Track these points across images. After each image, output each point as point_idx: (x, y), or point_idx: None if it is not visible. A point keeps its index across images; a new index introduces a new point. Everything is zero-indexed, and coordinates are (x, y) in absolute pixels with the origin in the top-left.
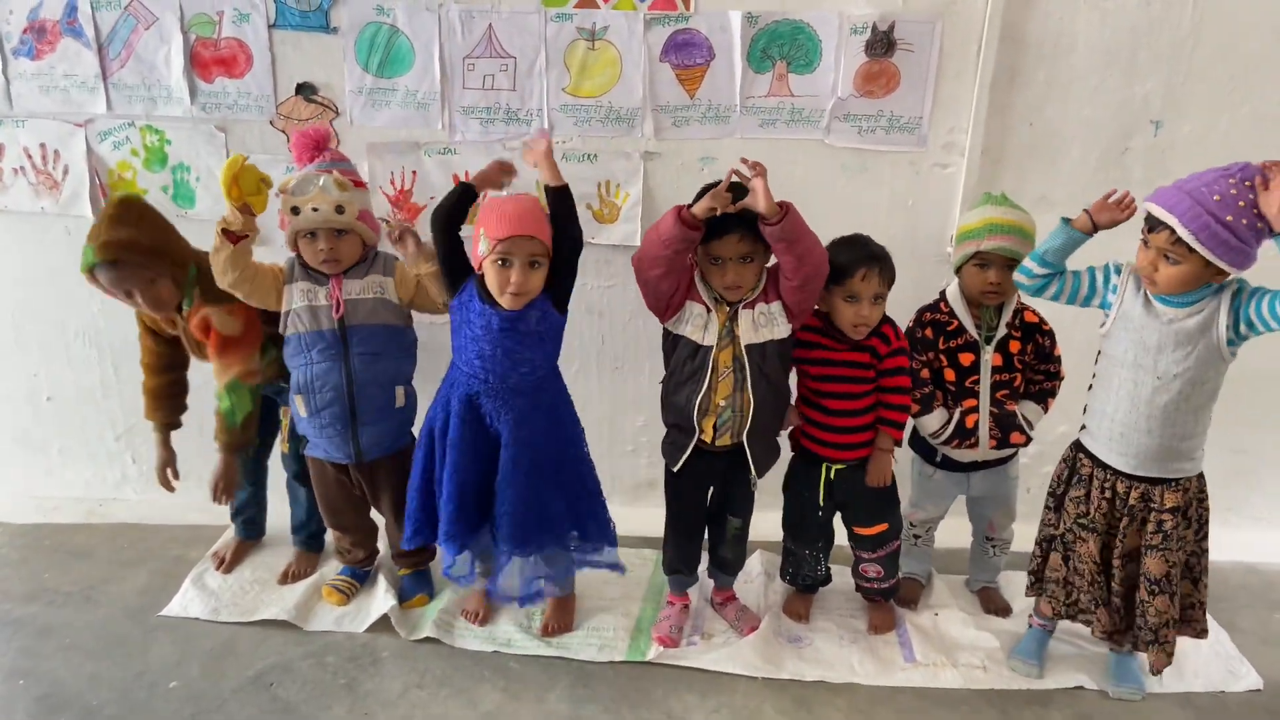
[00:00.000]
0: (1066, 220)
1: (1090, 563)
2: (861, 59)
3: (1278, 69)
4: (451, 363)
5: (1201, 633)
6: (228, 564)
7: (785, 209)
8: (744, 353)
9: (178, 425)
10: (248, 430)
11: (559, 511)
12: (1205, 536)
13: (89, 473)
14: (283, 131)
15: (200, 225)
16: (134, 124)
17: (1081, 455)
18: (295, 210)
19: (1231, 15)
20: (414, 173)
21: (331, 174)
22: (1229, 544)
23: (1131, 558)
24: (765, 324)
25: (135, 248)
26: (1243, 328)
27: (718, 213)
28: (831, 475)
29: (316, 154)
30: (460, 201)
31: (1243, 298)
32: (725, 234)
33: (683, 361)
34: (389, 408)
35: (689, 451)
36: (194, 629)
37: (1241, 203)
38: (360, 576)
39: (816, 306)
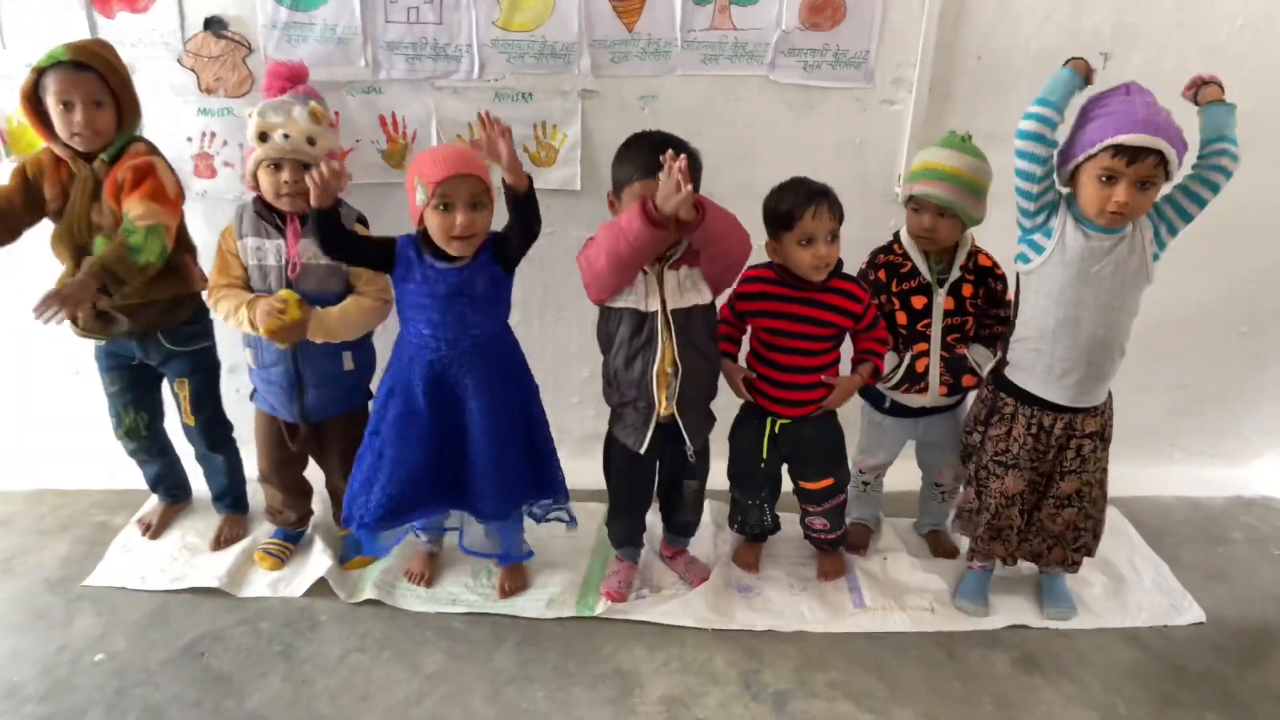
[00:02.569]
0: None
1: (1001, 498)
2: None
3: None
4: (399, 337)
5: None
6: (154, 529)
7: (702, 212)
8: (669, 317)
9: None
10: (137, 276)
11: (527, 473)
12: (1107, 455)
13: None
14: (191, 70)
15: None
16: (29, 64)
17: (1002, 394)
18: (263, 137)
19: None
20: (336, 113)
21: (308, 105)
22: (1172, 479)
23: (1044, 486)
24: (690, 288)
25: (105, 63)
26: (1164, 233)
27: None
28: (776, 429)
29: (289, 86)
30: (327, 226)
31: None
32: (653, 176)
33: (630, 335)
34: (337, 373)
35: (652, 427)
36: (120, 599)
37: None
38: (294, 538)
39: (770, 259)
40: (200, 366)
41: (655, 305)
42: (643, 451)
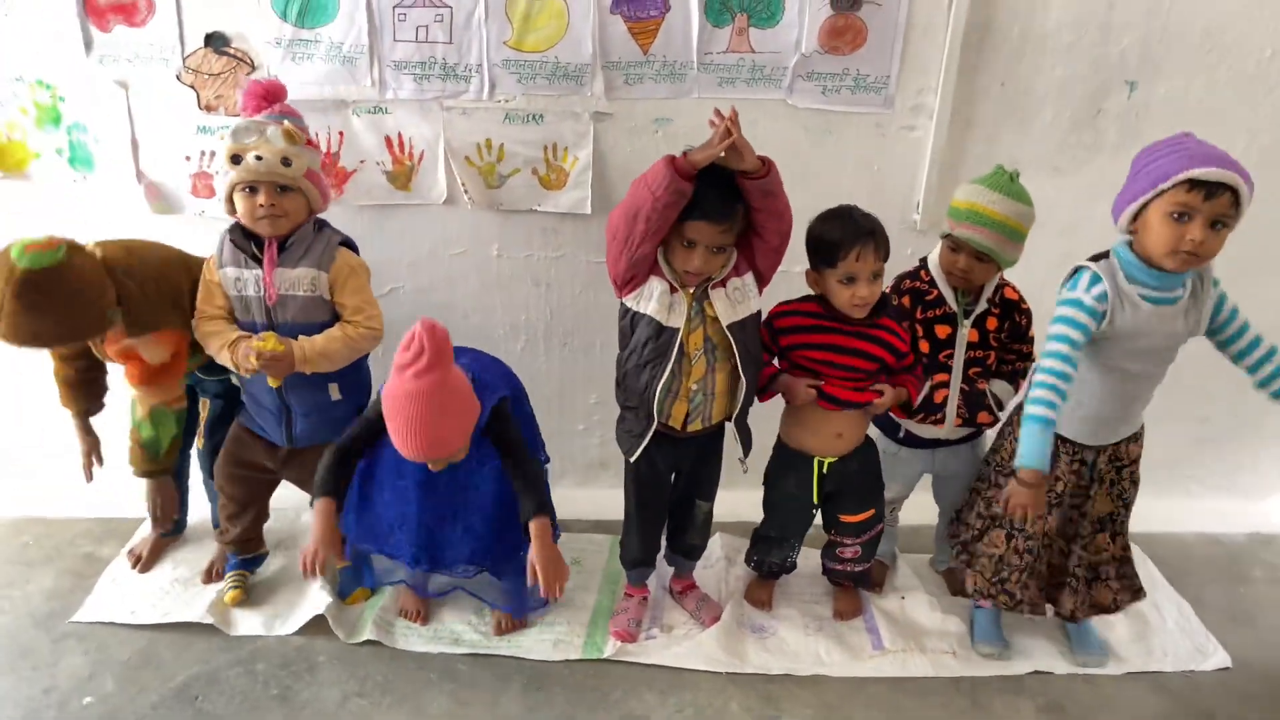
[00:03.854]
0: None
1: (1043, 538)
2: (827, 13)
3: (1254, 28)
4: None
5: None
6: (145, 562)
7: (768, 164)
8: (726, 333)
9: (99, 410)
10: (171, 455)
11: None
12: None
13: None
14: (190, 87)
15: (99, 191)
16: (21, 79)
17: None
18: (235, 159)
19: None
20: (341, 133)
21: (282, 124)
22: (1190, 513)
23: (1101, 522)
24: (741, 299)
25: (43, 338)
26: (1217, 323)
27: (720, 154)
28: (825, 469)
29: (266, 105)
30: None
31: (1224, 302)
32: (708, 221)
33: (643, 342)
34: (324, 403)
35: (648, 439)
36: (108, 636)
37: None
38: (249, 564)
39: (812, 290)
40: (225, 393)
41: (678, 322)
42: (633, 460)
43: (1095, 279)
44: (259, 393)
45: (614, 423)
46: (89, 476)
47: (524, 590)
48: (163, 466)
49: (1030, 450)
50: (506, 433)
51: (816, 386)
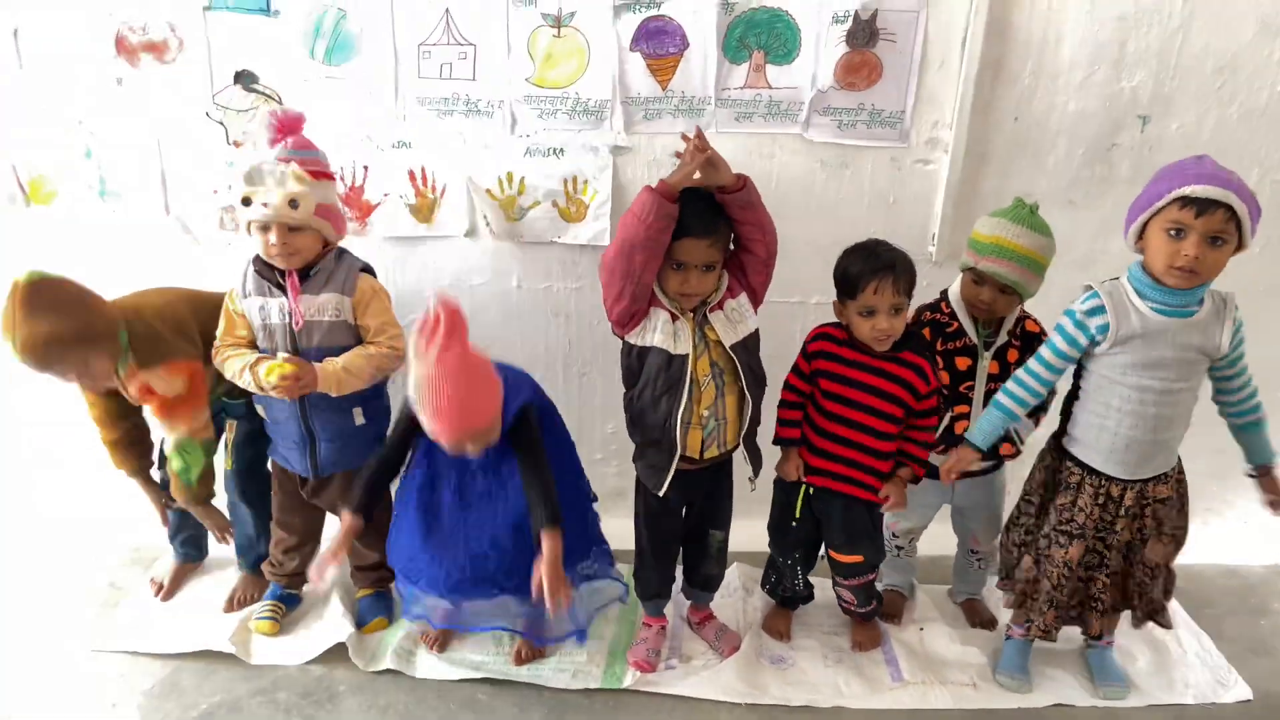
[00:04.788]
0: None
1: (1064, 567)
2: (842, 49)
3: (1266, 64)
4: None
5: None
6: (167, 590)
7: (743, 178)
8: (730, 354)
9: (150, 465)
10: (205, 484)
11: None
12: (1186, 515)
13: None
14: (220, 123)
15: (129, 224)
16: (53, 114)
17: (1068, 463)
18: (246, 201)
19: (1221, 8)
20: (365, 167)
21: (290, 164)
22: (1209, 545)
23: (1125, 552)
24: (739, 319)
25: (57, 340)
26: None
27: (694, 178)
28: (810, 491)
29: (282, 135)
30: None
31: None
32: (694, 237)
33: (655, 374)
34: (348, 428)
35: (674, 469)
36: (130, 665)
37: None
38: (288, 601)
39: (837, 320)
40: (249, 414)
41: (685, 349)
42: (661, 493)
43: (1092, 295)
44: (283, 421)
45: (628, 453)
46: (166, 523)
47: (545, 617)
48: (198, 495)
49: (980, 428)
50: (528, 436)
51: (805, 471)
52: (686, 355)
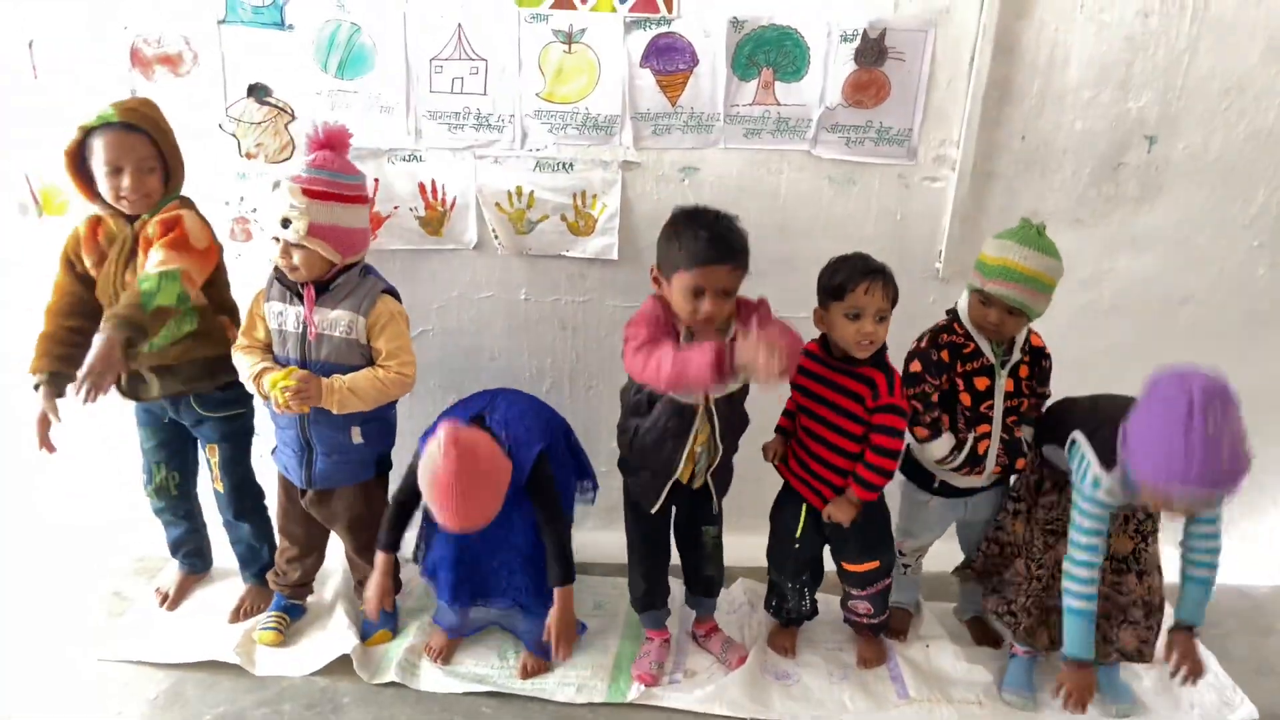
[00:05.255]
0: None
1: (1055, 567)
2: (851, 67)
3: (1273, 85)
4: None
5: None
6: (172, 600)
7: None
8: (713, 406)
9: (65, 381)
10: (154, 321)
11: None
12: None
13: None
14: (233, 135)
15: None
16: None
17: (1048, 465)
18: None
19: (1229, 30)
20: (376, 180)
21: (298, 181)
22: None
23: (1125, 561)
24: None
25: (156, 125)
26: None
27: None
28: (809, 511)
29: (314, 150)
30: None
31: None
32: (716, 263)
33: (665, 419)
34: (345, 445)
35: (667, 491)
36: (134, 675)
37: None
38: (292, 611)
39: (818, 328)
40: (231, 434)
41: (698, 399)
42: (654, 511)
43: (1096, 482)
44: (285, 428)
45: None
46: (46, 446)
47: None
48: (134, 323)
49: (1074, 640)
50: (544, 492)
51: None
52: (698, 405)
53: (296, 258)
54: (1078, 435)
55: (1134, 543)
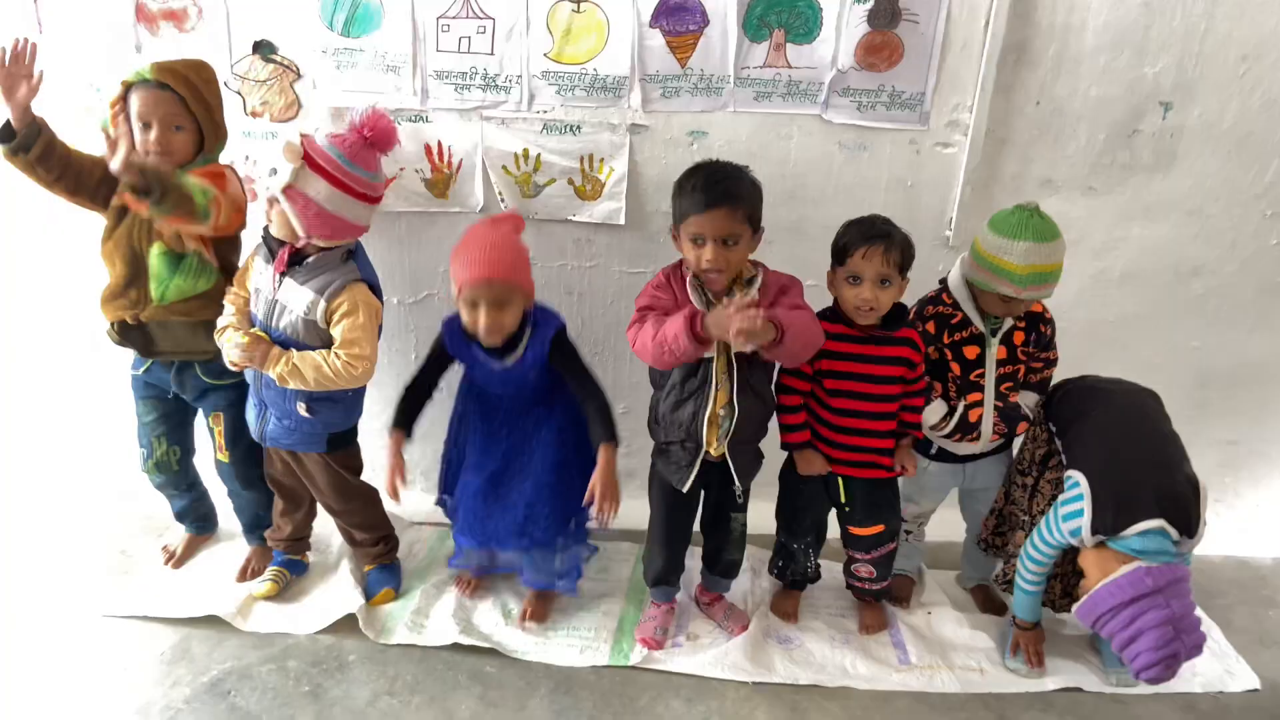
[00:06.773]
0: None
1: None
2: (864, 29)
3: None
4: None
5: None
6: (178, 558)
7: (780, 332)
8: (732, 359)
9: (33, 136)
10: (174, 193)
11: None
12: None
13: None
14: (238, 93)
15: None
16: (75, 81)
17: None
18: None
19: None
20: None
21: (307, 143)
22: (1219, 536)
23: None
24: None
25: (189, 87)
26: None
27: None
28: (839, 481)
29: (354, 128)
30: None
31: None
32: (713, 208)
33: (683, 379)
34: (291, 414)
35: (698, 467)
36: (141, 631)
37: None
38: (291, 567)
39: (830, 291)
40: (237, 400)
41: (712, 350)
42: (685, 490)
43: (1076, 531)
44: (252, 380)
45: (642, 430)
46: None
47: (553, 565)
48: (151, 185)
49: (1023, 607)
50: (571, 361)
51: (828, 462)
52: (712, 357)
53: (272, 211)
54: (1080, 479)
55: None
